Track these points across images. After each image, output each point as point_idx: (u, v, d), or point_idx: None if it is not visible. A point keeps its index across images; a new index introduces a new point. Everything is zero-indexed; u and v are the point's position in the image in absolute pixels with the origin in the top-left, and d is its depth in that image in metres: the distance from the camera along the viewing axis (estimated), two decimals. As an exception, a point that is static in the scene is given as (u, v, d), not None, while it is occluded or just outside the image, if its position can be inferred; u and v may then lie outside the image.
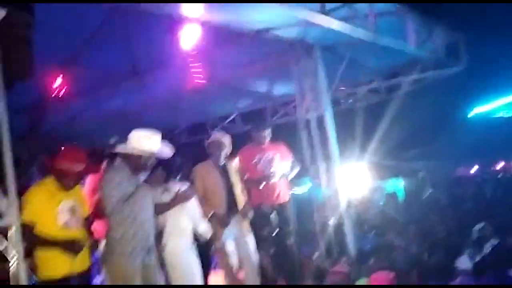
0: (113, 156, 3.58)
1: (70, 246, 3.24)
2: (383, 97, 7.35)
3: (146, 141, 3.39)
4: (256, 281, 4.34)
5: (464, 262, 4.15)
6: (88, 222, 3.49)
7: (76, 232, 3.30)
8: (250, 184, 4.71)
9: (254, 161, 4.86)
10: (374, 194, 6.92)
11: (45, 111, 7.52)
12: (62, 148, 3.36)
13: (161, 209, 3.74)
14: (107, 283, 3.47)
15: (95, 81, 6.90)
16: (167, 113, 7.71)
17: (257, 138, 4.95)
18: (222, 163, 4.43)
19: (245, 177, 4.69)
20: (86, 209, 3.49)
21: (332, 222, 5.28)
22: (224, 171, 4.40)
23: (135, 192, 3.39)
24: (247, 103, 7.95)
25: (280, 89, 7.24)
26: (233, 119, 8.33)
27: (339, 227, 5.26)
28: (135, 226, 3.38)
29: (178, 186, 3.88)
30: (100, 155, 4.38)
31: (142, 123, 3.57)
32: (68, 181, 3.29)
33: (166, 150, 3.55)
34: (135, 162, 3.41)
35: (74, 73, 6.39)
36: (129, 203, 3.33)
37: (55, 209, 3.22)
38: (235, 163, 4.64)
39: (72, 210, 3.29)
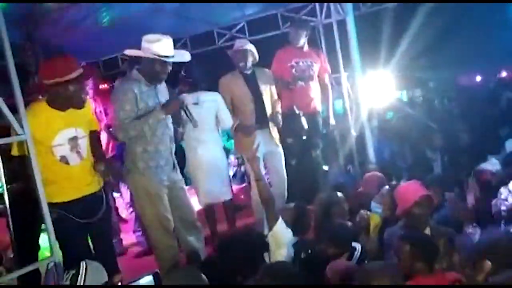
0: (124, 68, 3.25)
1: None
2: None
3: (160, 44, 3.01)
4: (283, 196, 4.22)
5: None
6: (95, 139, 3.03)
7: (76, 167, 2.84)
8: (282, 85, 4.36)
9: (290, 64, 4.47)
10: (394, 105, 6.66)
11: (37, 22, 7.00)
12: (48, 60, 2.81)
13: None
14: (134, 199, 3.32)
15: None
16: (168, 22, 7.14)
17: (292, 35, 4.52)
18: (250, 72, 4.09)
19: (278, 79, 4.33)
20: (94, 125, 3.04)
21: (354, 133, 5.08)
22: (252, 81, 4.08)
23: (153, 106, 3.13)
24: (256, 10, 7.32)
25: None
26: (242, 27, 7.76)
27: (360, 138, 5.07)
28: (155, 140, 3.16)
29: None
30: (96, 70, 4.01)
31: (142, 34, 3.15)
32: (63, 100, 2.74)
33: (184, 54, 3.25)
34: (150, 69, 3.07)
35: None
36: (147, 117, 3.07)
37: (51, 141, 2.74)
38: (267, 71, 4.28)
39: (73, 142, 2.80)
